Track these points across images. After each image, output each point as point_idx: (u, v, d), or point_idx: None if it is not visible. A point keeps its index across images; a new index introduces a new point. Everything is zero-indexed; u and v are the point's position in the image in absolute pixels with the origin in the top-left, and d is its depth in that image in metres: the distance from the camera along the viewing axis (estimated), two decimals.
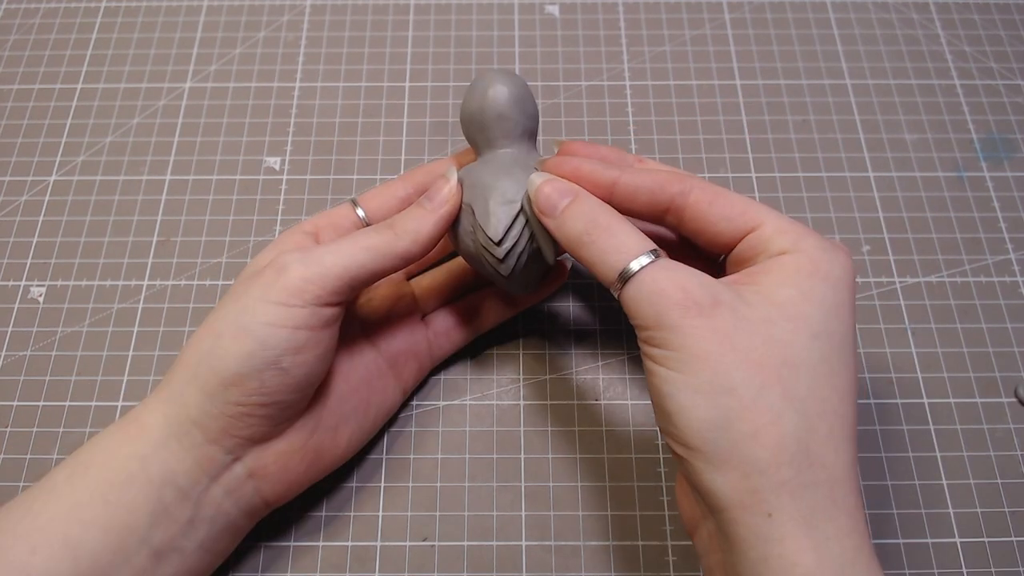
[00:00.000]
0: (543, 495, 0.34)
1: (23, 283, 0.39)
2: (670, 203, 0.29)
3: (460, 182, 0.31)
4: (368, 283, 0.29)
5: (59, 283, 0.39)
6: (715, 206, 0.28)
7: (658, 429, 0.28)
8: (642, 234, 0.27)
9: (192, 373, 0.28)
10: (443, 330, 0.36)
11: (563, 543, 0.33)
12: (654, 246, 0.26)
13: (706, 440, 0.24)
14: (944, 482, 0.35)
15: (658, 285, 0.25)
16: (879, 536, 0.33)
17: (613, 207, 0.29)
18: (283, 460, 0.30)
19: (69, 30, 0.47)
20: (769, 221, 0.27)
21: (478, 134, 0.32)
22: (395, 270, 0.30)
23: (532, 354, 0.37)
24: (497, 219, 0.30)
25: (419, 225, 0.30)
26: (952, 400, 0.36)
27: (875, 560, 0.24)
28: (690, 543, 0.33)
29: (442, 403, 0.36)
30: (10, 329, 0.38)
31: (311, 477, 0.31)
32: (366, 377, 0.33)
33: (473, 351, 0.37)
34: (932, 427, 0.36)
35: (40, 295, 0.39)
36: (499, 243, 0.30)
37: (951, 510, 0.34)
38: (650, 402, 0.27)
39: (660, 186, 0.29)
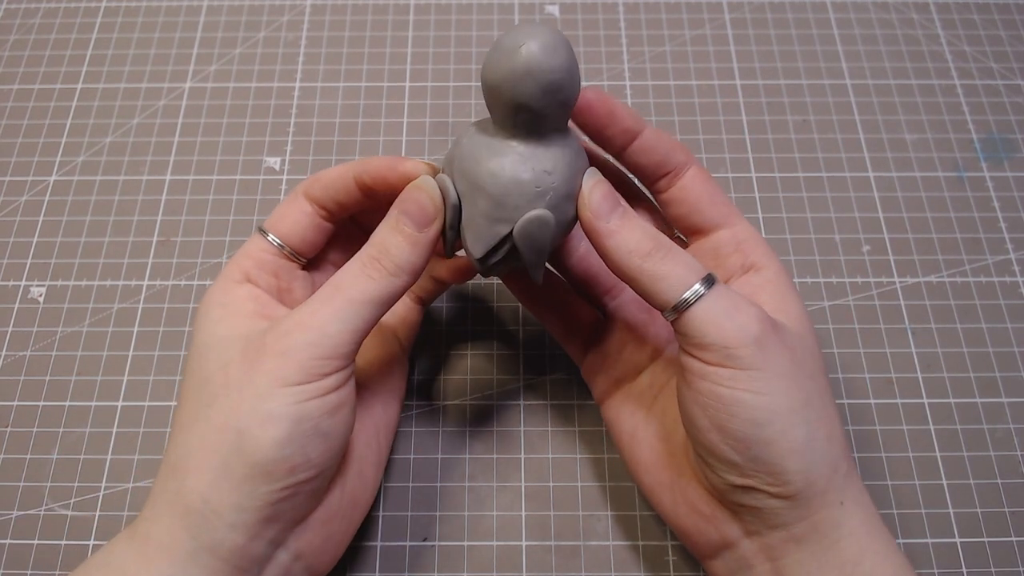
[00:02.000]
0: (543, 495, 0.34)
1: (23, 283, 0.39)
2: (673, 169, 0.30)
3: (444, 191, 0.27)
4: (371, 329, 0.27)
5: (59, 283, 0.39)
6: (707, 185, 0.30)
7: (705, 462, 0.27)
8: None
9: (214, 476, 0.25)
10: (404, 320, 0.34)
11: (563, 543, 0.33)
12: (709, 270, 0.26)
13: (805, 457, 0.25)
14: (944, 482, 0.35)
15: (735, 304, 0.25)
16: None
17: (628, 156, 0.30)
18: (326, 528, 0.28)
19: (69, 30, 0.47)
20: (741, 225, 0.30)
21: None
22: (395, 303, 0.27)
23: (532, 354, 0.37)
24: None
25: (409, 258, 0.27)
26: (952, 400, 0.36)
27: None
28: None
29: (442, 403, 0.36)
30: (10, 329, 0.38)
31: (352, 531, 0.29)
32: (360, 410, 0.30)
33: (473, 351, 0.38)
34: (932, 427, 0.36)
35: (40, 295, 0.39)
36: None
37: (951, 510, 0.34)
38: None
39: (673, 150, 0.30)
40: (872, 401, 0.36)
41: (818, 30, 0.47)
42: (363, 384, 0.31)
